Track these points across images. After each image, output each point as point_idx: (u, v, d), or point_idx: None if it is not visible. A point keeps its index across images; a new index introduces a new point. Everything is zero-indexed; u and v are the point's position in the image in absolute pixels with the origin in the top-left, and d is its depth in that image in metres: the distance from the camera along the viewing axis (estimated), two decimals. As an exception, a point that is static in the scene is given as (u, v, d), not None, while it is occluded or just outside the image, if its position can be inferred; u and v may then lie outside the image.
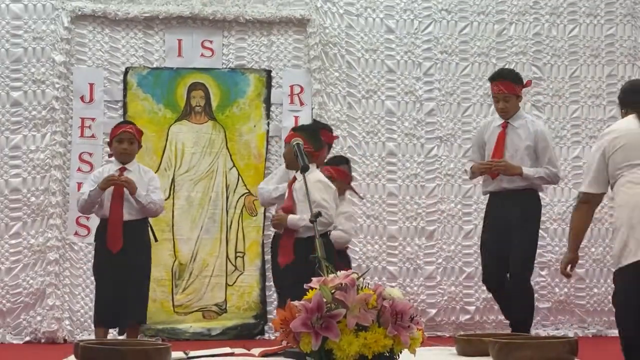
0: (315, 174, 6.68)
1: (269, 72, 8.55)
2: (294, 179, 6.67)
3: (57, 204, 8.14)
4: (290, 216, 6.56)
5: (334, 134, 7.61)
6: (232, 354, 4.58)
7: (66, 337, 7.99)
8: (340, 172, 7.26)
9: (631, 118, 5.17)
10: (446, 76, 8.72)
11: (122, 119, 7.95)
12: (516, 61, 8.87)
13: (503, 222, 7.20)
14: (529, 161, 7.21)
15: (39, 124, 8.21)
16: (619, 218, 5.07)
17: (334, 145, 7.64)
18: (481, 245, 7.55)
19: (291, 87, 8.58)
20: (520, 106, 7.32)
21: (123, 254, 6.81)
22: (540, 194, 7.40)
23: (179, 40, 8.53)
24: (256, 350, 4.57)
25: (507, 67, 8.78)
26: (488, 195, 7.49)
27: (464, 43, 8.89)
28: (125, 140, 6.98)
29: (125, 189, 6.82)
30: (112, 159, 7.14)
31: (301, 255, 6.13)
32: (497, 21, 8.95)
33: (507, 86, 7.25)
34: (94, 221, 7.45)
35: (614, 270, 5.09)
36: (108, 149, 7.18)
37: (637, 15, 9.09)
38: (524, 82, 7.43)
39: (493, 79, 7.42)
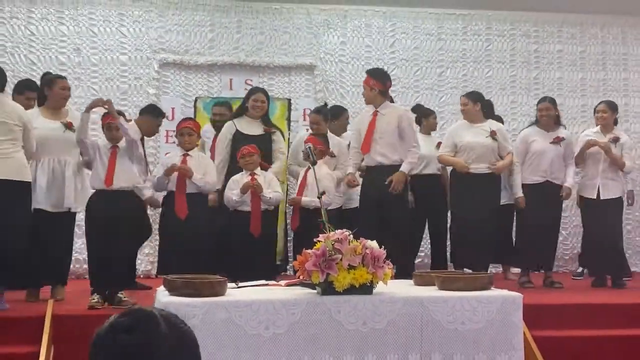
0: (327, 169, 6.59)
1: (289, 100, 8.47)
2: (308, 169, 6.47)
3: (150, 186, 8.08)
4: (304, 198, 6.39)
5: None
6: (267, 284, 4.48)
7: (156, 274, 7.72)
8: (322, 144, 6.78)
9: None
10: (404, 103, 8.47)
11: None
12: (450, 93, 8.80)
13: (377, 196, 6.25)
14: (397, 139, 6.30)
15: (139, 134, 8.12)
16: None
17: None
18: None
19: (304, 109, 8.50)
20: (385, 99, 6.43)
21: (190, 219, 5.99)
22: None
23: (230, 79, 8.46)
24: (282, 282, 4.50)
25: (444, 97, 8.75)
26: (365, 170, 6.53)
27: (417, 81, 8.81)
28: (185, 134, 6.15)
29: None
30: (179, 147, 6.35)
31: (306, 221, 6.08)
32: (439, 66, 8.88)
33: (366, 80, 6.44)
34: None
35: None
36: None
37: (531, 62, 9.02)
38: (387, 81, 6.48)
39: None
